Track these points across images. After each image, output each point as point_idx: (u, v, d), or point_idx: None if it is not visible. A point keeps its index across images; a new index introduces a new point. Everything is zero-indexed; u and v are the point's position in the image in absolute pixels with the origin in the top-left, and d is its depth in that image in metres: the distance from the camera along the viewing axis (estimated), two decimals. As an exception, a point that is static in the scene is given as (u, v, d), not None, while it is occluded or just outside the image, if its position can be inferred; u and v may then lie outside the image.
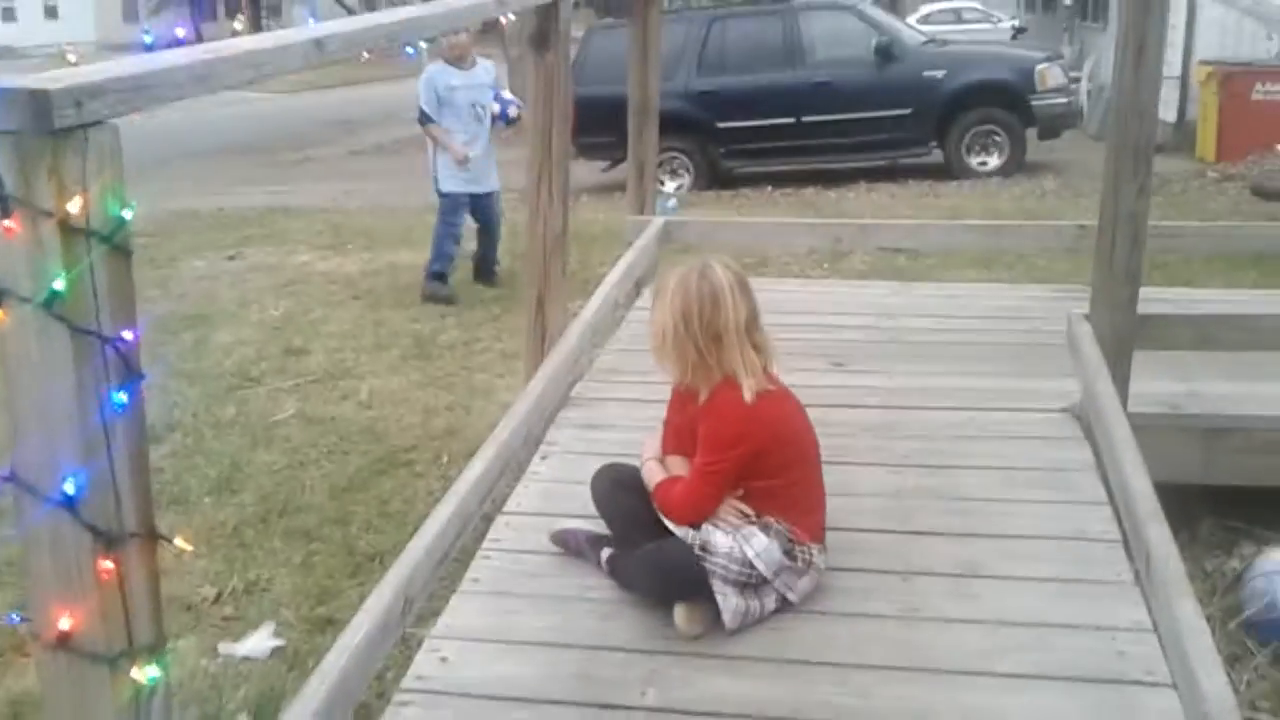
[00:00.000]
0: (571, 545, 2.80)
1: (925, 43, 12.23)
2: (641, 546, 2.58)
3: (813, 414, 2.71)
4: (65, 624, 1.57)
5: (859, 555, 2.75)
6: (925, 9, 24.61)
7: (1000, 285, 5.63)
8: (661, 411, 2.79)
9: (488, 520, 2.97)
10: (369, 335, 6.46)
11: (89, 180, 1.45)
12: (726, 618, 2.45)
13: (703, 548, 2.48)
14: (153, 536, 1.67)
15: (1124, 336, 3.42)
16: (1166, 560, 2.28)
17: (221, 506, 4.36)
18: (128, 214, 1.53)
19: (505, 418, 3.17)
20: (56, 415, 1.51)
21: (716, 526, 2.52)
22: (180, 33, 2.03)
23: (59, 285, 1.45)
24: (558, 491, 3.12)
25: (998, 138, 11.41)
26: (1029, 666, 2.33)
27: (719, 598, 2.45)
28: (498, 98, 7.23)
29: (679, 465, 2.65)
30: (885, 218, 8.44)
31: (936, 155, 11.60)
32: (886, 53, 11.35)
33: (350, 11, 22.52)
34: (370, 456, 4.76)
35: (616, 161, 10.79)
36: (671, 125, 10.93)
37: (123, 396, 1.57)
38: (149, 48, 1.74)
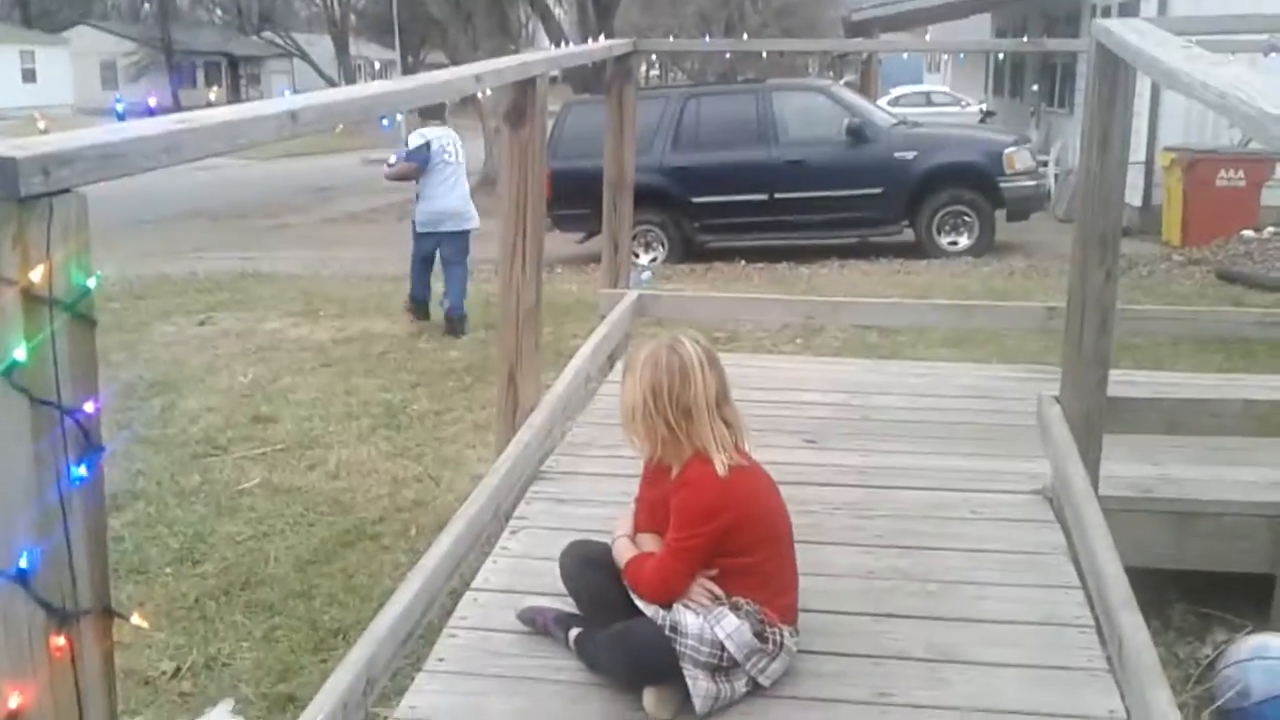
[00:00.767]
0: (539, 624, 2.75)
1: (896, 124, 12.47)
2: (610, 626, 2.53)
3: (785, 491, 2.69)
4: (14, 702, 1.50)
5: (831, 638, 2.71)
6: (895, 92, 25.13)
7: (971, 364, 5.66)
8: (634, 487, 2.76)
9: (455, 596, 2.91)
10: (339, 404, 6.41)
11: (53, 248, 1.43)
12: (697, 702, 2.39)
13: (673, 629, 2.43)
14: (108, 613, 1.62)
15: (1094, 419, 3.43)
16: (1139, 649, 2.25)
17: (183, 578, 4.26)
18: (92, 283, 1.50)
19: (475, 491, 3.13)
20: (12, 488, 1.47)
21: (687, 607, 2.48)
22: (152, 102, 2.02)
23: (20, 355, 1.42)
24: (527, 568, 3.07)
25: (967, 218, 11.60)
26: (1003, 755, 2.29)
27: (689, 681, 2.40)
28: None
29: (650, 542, 2.62)
30: (857, 294, 8.52)
31: (908, 234, 11.76)
32: (858, 133, 11.56)
33: (330, 83, 22.76)
34: (336, 528, 4.69)
35: (592, 234, 10.86)
36: (646, 199, 11.08)
37: (82, 470, 1.52)
38: (121, 116, 1.73)
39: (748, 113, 12.03)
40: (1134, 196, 12.41)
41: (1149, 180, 12.54)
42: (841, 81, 18.70)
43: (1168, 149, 11.99)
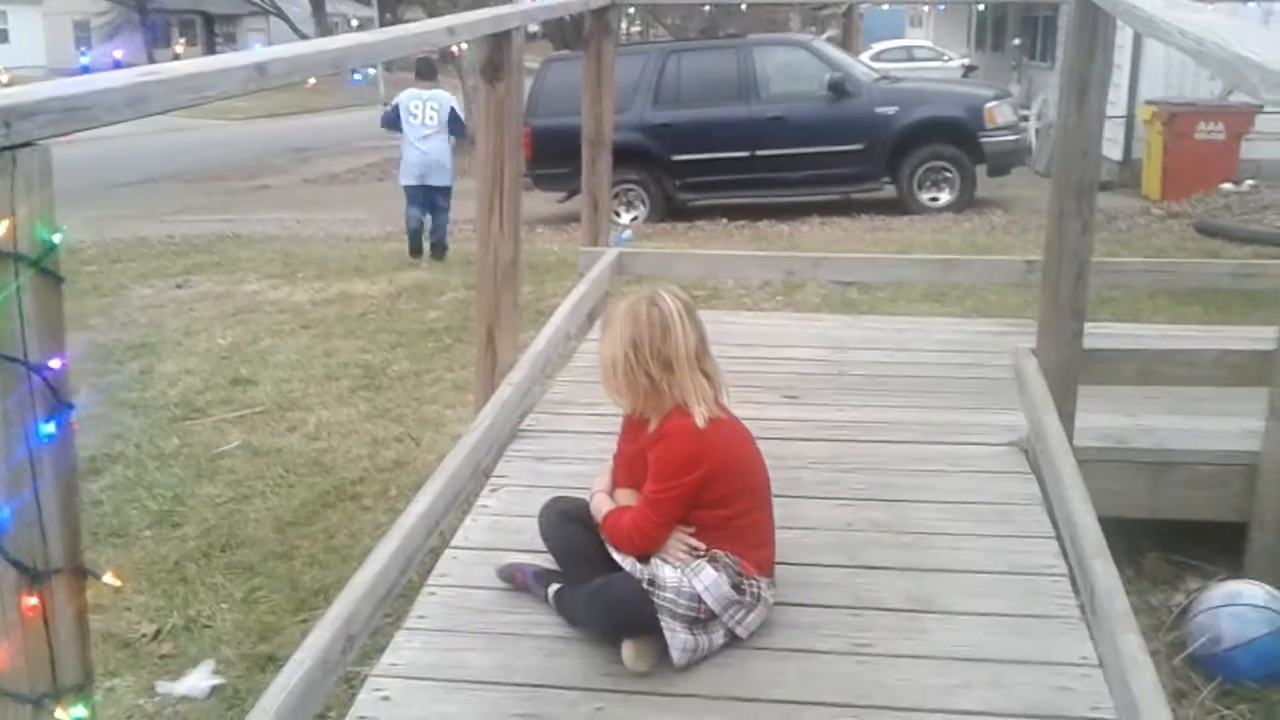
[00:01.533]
0: (518, 580, 2.76)
1: (878, 79, 12.41)
2: (589, 581, 2.55)
3: (764, 446, 2.70)
4: (-13, 662, 1.51)
5: (808, 590, 2.73)
6: (877, 47, 24.97)
7: (950, 319, 5.68)
8: (613, 444, 2.77)
9: (434, 555, 2.92)
10: (318, 365, 6.38)
11: (17, 203, 1.41)
12: (675, 654, 2.41)
13: (650, 582, 2.45)
14: (81, 572, 1.61)
15: (1069, 372, 3.45)
16: (1111, 596, 2.28)
17: (163, 540, 4.26)
18: (57, 238, 1.48)
19: (453, 450, 3.13)
20: (-21, 446, 1.46)
21: (665, 560, 2.50)
22: (119, 55, 1.98)
23: (-17, 311, 1.41)
24: (506, 525, 3.08)
25: (949, 174, 11.59)
26: (978, 703, 2.31)
27: (667, 634, 2.41)
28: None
29: (628, 497, 2.63)
30: (838, 251, 8.52)
31: (889, 190, 11.74)
32: (840, 89, 11.50)
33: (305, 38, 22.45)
34: (316, 489, 4.68)
35: (572, 193, 10.81)
36: (627, 157, 11.01)
37: (50, 427, 1.51)
38: (86, 69, 1.70)
39: (729, 69, 11.95)
40: (1114, 150, 12.42)
41: (1129, 134, 12.54)
42: (824, 37, 18.57)
43: (1148, 102, 11.98)
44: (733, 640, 2.50)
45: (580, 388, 4.08)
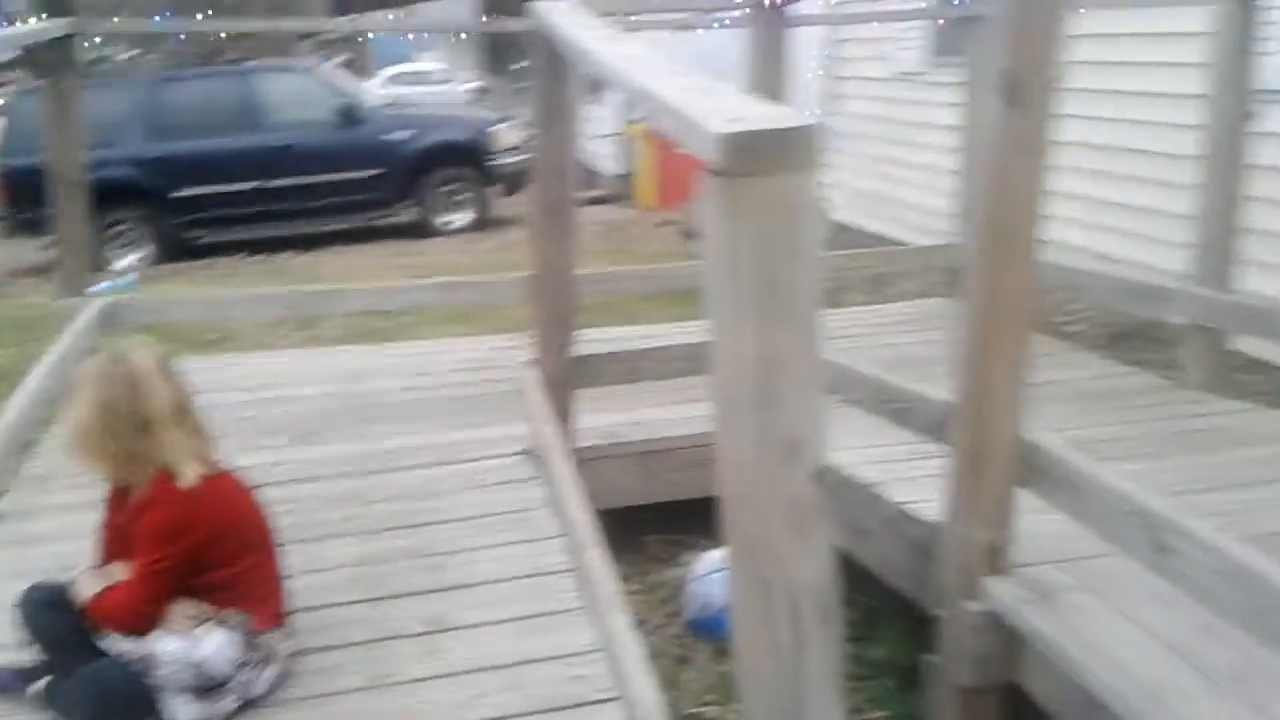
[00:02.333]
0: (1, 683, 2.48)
1: (386, 106, 12.46)
2: (78, 670, 2.34)
3: (275, 491, 2.63)
4: None
5: (329, 632, 2.70)
6: (391, 71, 25.07)
7: (470, 338, 5.85)
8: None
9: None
10: None
11: None
12: (183, 728, 2.29)
13: (147, 660, 2.30)
14: None
15: (565, 379, 3.70)
16: (602, 582, 2.48)
17: None
18: None
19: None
20: None
21: (168, 632, 2.36)
22: None
23: None
24: (-19, 625, 2.74)
25: (465, 196, 11.91)
26: (498, 709, 2.41)
27: (172, 710, 2.28)
28: None
29: (122, 572, 2.45)
30: (361, 279, 8.45)
31: (412, 214, 11.85)
32: (348, 115, 11.42)
33: None
34: None
35: (60, 238, 9.79)
36: (120, 194, 10.18)
37: None
38: None
39: (229, 97, 11.42)
40: (612, 165, 13.45)
41: (627, 150, 13.61)
42: (335, 62, 18.32)
43: (632, 121, 13.07)
44: (250, 701, 2.41)
45: (66, 459, 3.71)
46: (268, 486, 2.63)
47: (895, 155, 8.54)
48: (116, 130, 10.29)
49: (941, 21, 7.00)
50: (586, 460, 3.63)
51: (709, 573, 3.44)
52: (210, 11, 11.32)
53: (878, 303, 6.43)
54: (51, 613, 2.48)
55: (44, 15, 4.79)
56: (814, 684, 1.58)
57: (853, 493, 3.37)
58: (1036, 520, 2.68)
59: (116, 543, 2.50)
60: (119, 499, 2.51)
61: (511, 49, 22.32)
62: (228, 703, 2.37)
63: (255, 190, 11.12)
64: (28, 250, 10.51)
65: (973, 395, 2.52)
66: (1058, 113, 2.34)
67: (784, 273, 1.45)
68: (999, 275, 2.41)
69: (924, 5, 6.95)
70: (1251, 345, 4.82)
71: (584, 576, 2.66)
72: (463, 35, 23.11)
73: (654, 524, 3.97)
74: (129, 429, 2.36)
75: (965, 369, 2.53)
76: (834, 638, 1.60)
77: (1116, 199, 6.06)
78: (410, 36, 25.58)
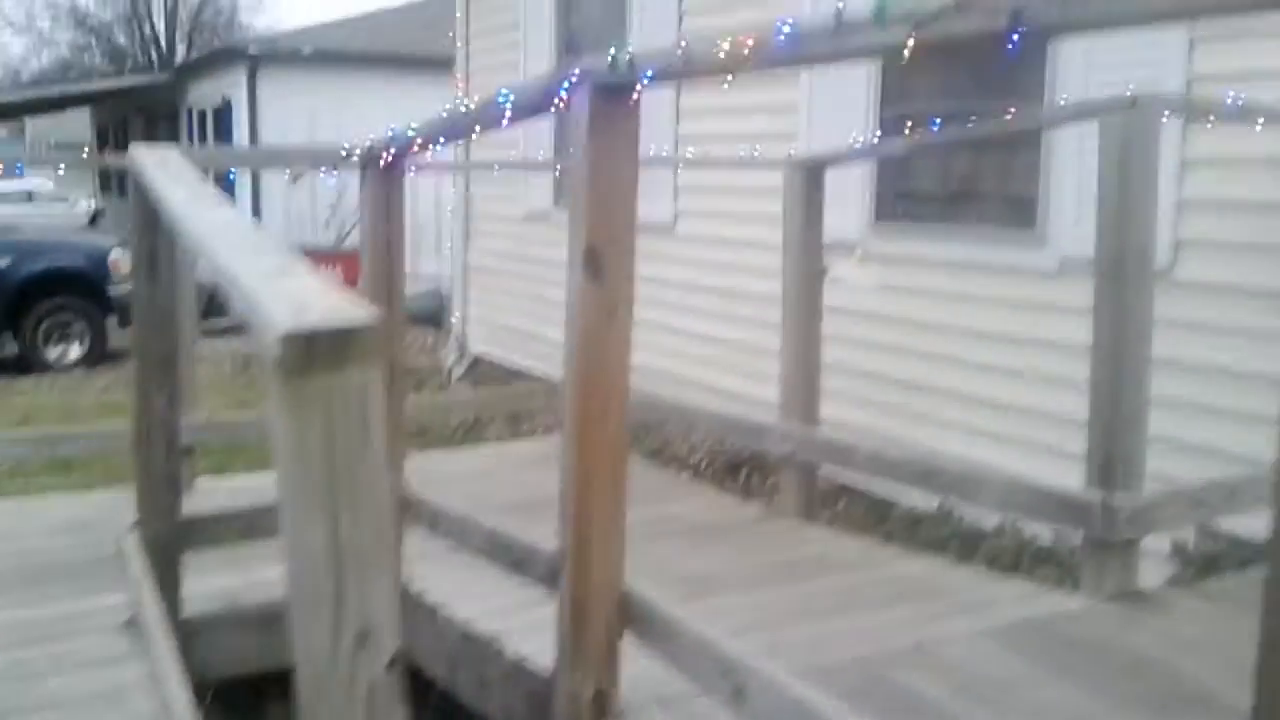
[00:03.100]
0: None
1: (-15, 229, 11.38)
2: None
3: None
4: None
5: None
6: (-7, 188, 22.90)
7: (70, 494, 5.35)
8: None
9: None
10: None
11: None
12: None
13: None
14: None
15: (171, 543, 3.47)
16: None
17: None
18: None
19: None
20: None
21: None
22: None
23: None
24: None
25: (76, 327, 10.99)
26: None
27: None
28: None
29: None
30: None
31: (12, 348, 10.77)
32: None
33: None
34: None
35: None
36: None
37: None
38: None
39: None
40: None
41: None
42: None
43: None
44: None
45: None
46: None
47: (530, 291, 8.86)
48: None
49: (559, 170, 7.44)
50: (197, 630, 3.41)
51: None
52: None
53: (517, 438, 6.58)
54: None
55: None
56: None
57: (475, 646, 3.38)
58: (648, 661, 2.81)
59: None
60: None
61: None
62: None
63: None
64: None
65: (574, 544, 2.63)
66: (634, 276, 2.55)
67: (352, 465, 1.47)
68: (591, 429, 2.56)
69: (542, 158, 7.38)
70: (839, 474, 5.35)
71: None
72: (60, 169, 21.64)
73: (281, 693, 3.75)
74: None
75: (566, 519, 2.64)
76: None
77: (730, 337, 6.60)
78: (25, 153, 23.68)
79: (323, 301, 1.59)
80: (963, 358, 5.23)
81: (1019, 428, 4.94)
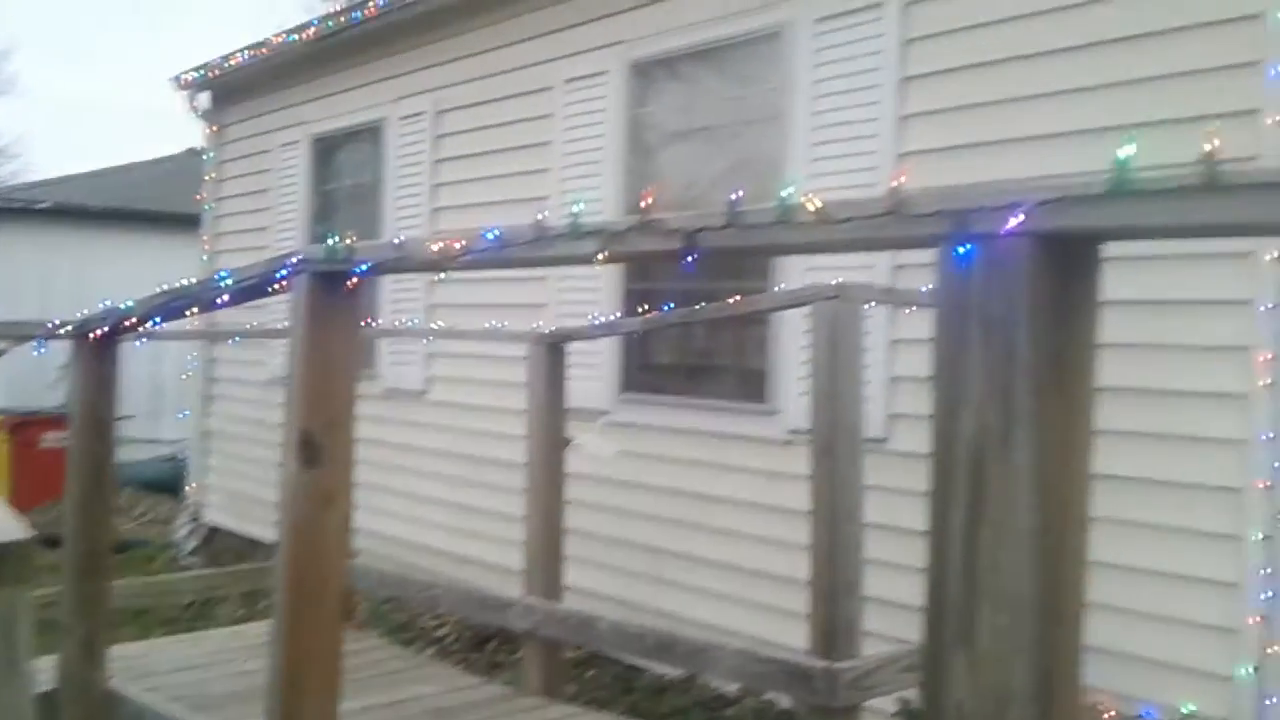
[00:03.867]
0: None
1: None
2: None
3: None
4: None
5: None
6: None
7: None
8: None
9: None
10: None
11: None
12: None
13: None
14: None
15: None
16: None
17: None
18: None
19: None
20: None
21: None
22: None
23: None
24: None
25: None
26: None
27: None
28: None
29: None
30: None
31: None
32: None
33: None
34: None
35: None
36: None
37: None
38: None
39: None
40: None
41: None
42: None
43: (-13, 414, 11.75)
44: None
45: None
46: None
47: (270, 457, 8.52)
48: None
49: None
50: None
51: None
52: None
53: (253, 618, 6.19)
54: None
55: None
56: None
57: None
58: None
59: None
60: None
61: None
62: None
63: None
64: None
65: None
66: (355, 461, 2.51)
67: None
68: (303, 622, 2.45)
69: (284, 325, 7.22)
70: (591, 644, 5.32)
71: None
72: None
73: None
74: None
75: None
76: None
77: (481, 505, 6.53)
78: None
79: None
80: (706, 523, 5.38)
81: (760, 592, 5.09)
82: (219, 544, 8.76)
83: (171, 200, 14.65)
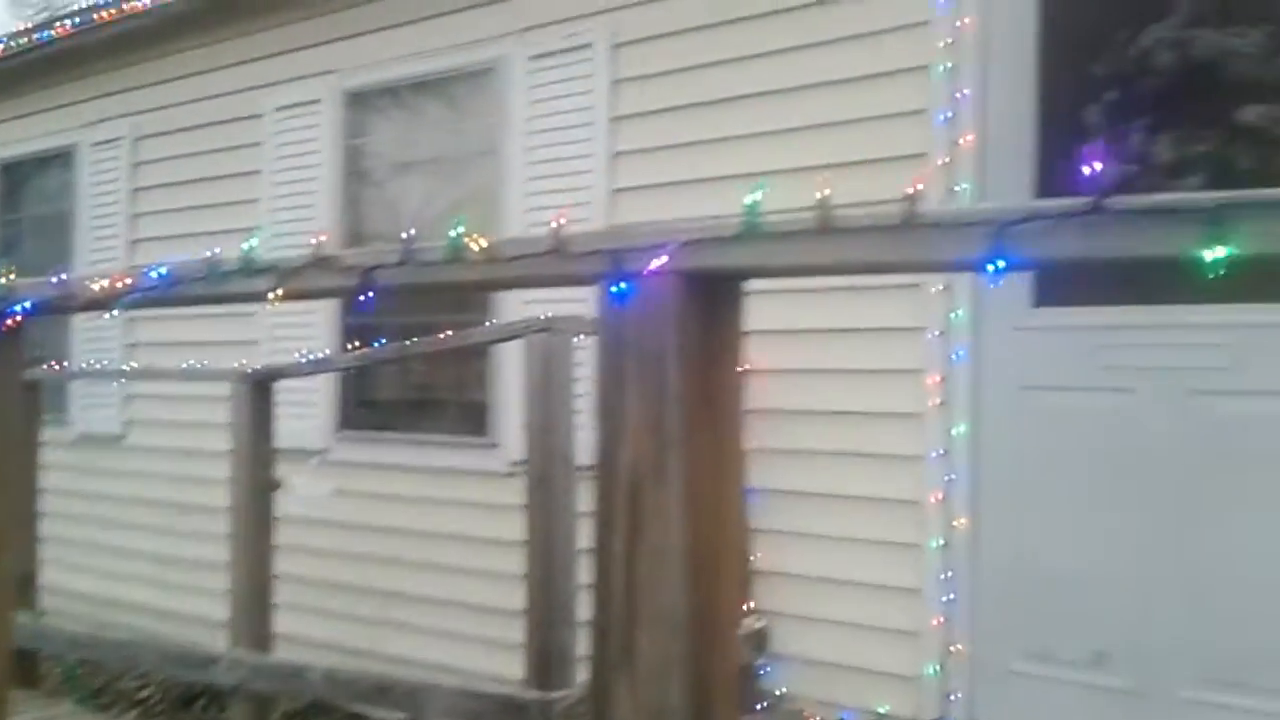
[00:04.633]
0: None
1: None
2: None
3: None
4: None
5: None
6: None
7: None
8: None
9: None
10: None
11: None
12: None
13: None
14: None
15: None
16: None
17: None
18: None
19: None
20: None
21: None
22: None
23: None
24: None
25: None
26: None
27: None
28: None
29: None
30: None
31: None
32: None
33: None
34: None
35: None
36: None
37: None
38: None
39: None
40: None
41: None
42: None
43: None
44: None
45: None
46: None
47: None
48: None
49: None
50: None
51: None
52: None
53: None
54: None
55: None
56: None
57: None
58: None
59: None
60: None
61: None
62: None
63: None
64: None
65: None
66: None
67: None
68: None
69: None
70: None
71: None
72: None
73: None
74: None
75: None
76: None
77: (182, 555, 6.16)
78: None
79: None
80: (432, 561, 5.30)
81: (488, 627, 5.05)
82: None
83: None
